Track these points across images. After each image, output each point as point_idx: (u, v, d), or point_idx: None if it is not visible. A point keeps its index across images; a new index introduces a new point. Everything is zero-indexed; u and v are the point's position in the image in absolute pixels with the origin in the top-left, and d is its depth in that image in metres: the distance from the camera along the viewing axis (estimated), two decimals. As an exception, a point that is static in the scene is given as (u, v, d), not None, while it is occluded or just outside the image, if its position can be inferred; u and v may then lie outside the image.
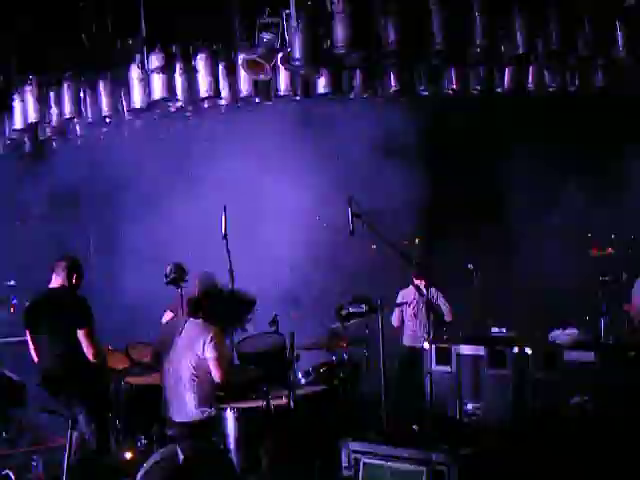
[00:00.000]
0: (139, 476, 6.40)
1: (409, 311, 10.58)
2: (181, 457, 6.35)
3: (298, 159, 10.75)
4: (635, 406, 6.97)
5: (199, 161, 11.13)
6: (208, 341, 7.31)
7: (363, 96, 8.62)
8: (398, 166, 11.29)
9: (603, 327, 7.54)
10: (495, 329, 8.55)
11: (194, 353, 7.33)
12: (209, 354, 7.30)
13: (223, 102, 8.89)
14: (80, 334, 7.60)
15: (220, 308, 7.64)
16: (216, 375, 7.33)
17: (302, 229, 10.81)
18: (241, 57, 8.28)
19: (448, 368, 7.74)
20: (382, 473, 6.12)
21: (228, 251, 8.25)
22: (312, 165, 10.78)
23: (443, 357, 7.79)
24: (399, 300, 10.67)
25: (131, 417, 8.08)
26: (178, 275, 8.72)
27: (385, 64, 8.10)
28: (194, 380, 7.33)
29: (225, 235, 8.31)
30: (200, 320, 7.52)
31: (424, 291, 10.11)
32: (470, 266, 10.04)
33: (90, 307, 7.75)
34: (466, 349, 7.78)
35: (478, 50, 7.21)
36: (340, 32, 6.73)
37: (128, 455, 7.89)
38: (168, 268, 8.79)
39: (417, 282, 10.39)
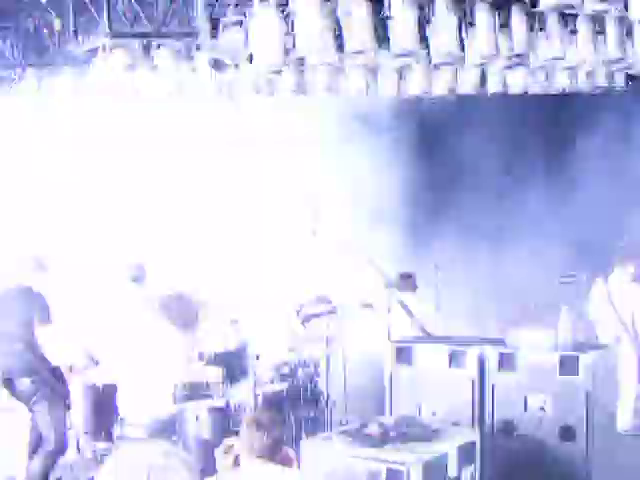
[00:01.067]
0: (99, 476, 6.38)
1: None
2: (141, 457, 6.33)
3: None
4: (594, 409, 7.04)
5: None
6: (168, 341, 7.32)
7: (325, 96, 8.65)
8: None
9: (563, 328, 7.57)
10: (456, 329, 8.59)
11: (155, 353, 7.33)
12: (170, 354, 7.31)
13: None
14: (40, 330, 7.55)
15: (178, 310, 7.65)
16: (176, 375, 7.33)
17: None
18: (205, 55, 8.26)
19: (409, 367, 7.75)
20: (343, 473, 6.12)
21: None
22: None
23: (403, 356, 7.79)
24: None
25: (90, 416, 8.04)
26: (139, 274, 8.68)
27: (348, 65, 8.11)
28: (156, 379, 7.32)
29: None
30: (161, 320, 7.51)
31: None
32: (435, 266, 10.06)
33: (48, 305, 7.70)
34: (427, 349, 7.79)
35: (443, 51, 7.22)
36: (304, 32, 6.71)
37: (87, 454, 7.86)
38: (130, 266, 8.72)
39: None
